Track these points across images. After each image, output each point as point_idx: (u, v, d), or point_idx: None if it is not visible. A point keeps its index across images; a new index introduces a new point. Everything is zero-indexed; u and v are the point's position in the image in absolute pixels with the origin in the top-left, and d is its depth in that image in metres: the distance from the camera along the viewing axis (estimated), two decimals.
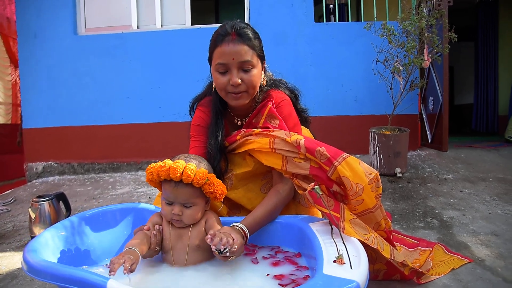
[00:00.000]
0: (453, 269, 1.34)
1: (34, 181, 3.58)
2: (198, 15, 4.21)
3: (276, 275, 1.01)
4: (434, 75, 3.28)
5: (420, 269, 1.25)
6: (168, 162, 1.04)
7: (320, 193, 0.99)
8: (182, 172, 1.01)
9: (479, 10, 5.15)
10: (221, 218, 1.28)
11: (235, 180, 1.41)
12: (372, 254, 1.24)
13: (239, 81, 1.25)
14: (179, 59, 3.65)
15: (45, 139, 3.67)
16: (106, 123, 3.67)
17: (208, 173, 1.09)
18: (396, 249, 1.24)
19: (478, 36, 5.16)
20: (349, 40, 3.53)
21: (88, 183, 3.29)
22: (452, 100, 7.72)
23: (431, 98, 3.37)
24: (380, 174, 2.75)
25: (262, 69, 1.37)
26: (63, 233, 1.13)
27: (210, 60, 1.34)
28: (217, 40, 1.27)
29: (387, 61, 2.60)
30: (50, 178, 3.58)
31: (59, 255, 1.08)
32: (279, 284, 0.96)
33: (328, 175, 1.14)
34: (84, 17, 3.77)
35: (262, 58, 1.35)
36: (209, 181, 1.05)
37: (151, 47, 3.65)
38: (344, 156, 1.14)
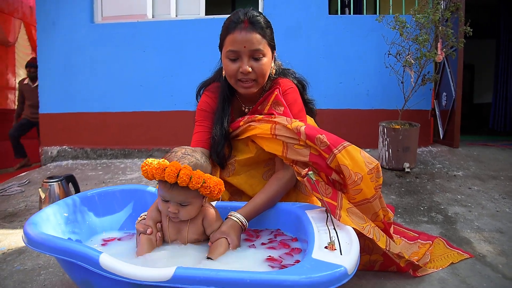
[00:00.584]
0: (452, 263, 1.33)
1: (48, 164, 3.69)
2: (214, 6, 4.21)
3: (268, 257, 1.03)
4: (448, 70, 3.20)
5: (416, 262, 1.24)
6: (163, 163, 1.00)
7: (314, 178, 1.00)
8: (177, 175, 0.98)
9: (500, 6, 4.97)
10: (221, 203, 1.30)
11: (237, 166, 1.43)
12: (369, 244, 1.24)
13: (249, 69, 1.26)
14: (192, 48, 3.67)
15: (60, 124, 3.77)
16: (119, 110, 3.74)
17: (205, 172, 1.05)
18: (394, 241, 1.24)
19: (500, 33, 5.00)
20: (362, 33, 3.47)
21: (99, 167, 3.37)
22: (471, 98, 7.53)
23: (444, 93, 3.30)
24: (388, 169, 2.75)
25: (272, 58, 1.38)
26: (65, 211, 1.17)
27: (221, 46, 1.35)
28: (229, 27, 1.27)
29: (399, 55, 2.55)
30: (64, 162, 3.68)
31: (59, 230, 1.12)
32: (268, 265, 0.98)
33: (328, 162, 1.14)
34: (101, 6, 3.83)
35: (272, 47, 1.35)
36: (205, 184, 1.01)
37: (165, 36, 3.69)
38: (344, 145, 1.14)
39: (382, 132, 2.76)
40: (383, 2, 3.67)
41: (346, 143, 1.15)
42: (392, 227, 1.59)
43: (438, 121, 3.44)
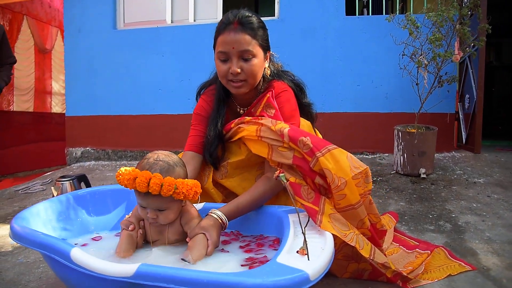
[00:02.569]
0: (449, 275, 1.25)
1: (72, 165, 3.87)
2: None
3: (246, 258, 1.03)
4: (470, 71, 3.03)
5: (406, 274, 1.17)
6: (133, 173, 0.99)
7: (285, 181, 0.97)
8: (148, 184, 0.97)
9: None
10: (210, 204, 1.30)
11: (230, 169, 1.43)
12: (358, 252, 1.20)
13: (239, 70, 1.27)
14: (209, 52, 3.69)
15: (84, 126, 3.95)
16: (139, 113, 3.86)
17: (178, 176, 1.03)
18: (382, 250, 1.18)
19: None
20: (381, 34, 3.37)
21: (118, 168, 3.48)
22: None
23: (467, 96, 3.12)
24: (403, 174, 2.64)
25: (265, 59, 1.37)
26: (57, 207, 1.22)
27: (214, 47, 1.36)
28: (219, 29, 1.30)
29: (414, 55, 2.45)
30: (87, 163, 3.85)
31: (49, 226, 1.16)
32: (241, 266, 0.97)
33: (311, 166, 1.12)
34: (123, 13, 3.99)
35: (265, 48, 1.34)
36: (177, 190, 0.99)
37: (183, 40, 3.77)
38: (329, 148, 1.10)
39: (397, 136, 2.66)
40: (405, 2, 3.55)
41: (332, 146, 1.11)
42: (390, 235, 1.54)
43: (462, 125, 3.27)
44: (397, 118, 3.30)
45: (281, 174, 0.96)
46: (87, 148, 3.95)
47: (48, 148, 6.17)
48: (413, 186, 2.40)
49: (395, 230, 1.66)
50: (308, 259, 0.86)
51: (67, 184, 2.10)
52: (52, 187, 2.09)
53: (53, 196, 2.11)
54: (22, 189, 2.92)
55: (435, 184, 2.43)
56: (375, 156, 3.37)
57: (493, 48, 6.03)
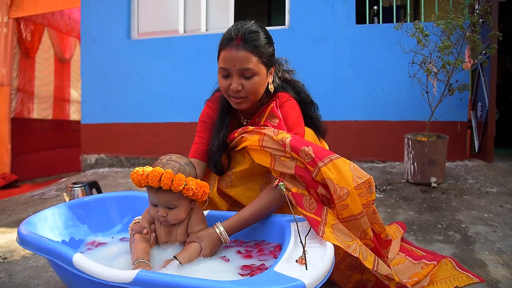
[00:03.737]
0: (456, 287, 1.23)
1: (87, 171, 3.96)
2: (244, 20, 4.31)
3: (243, 266, 1.04)
4: (482, 79, 2.98)
5: (410, 286, 1.15)
6: (147, 169, 1.07)
7: (285, 190, 0.98)
8: (160, 179, 1.04)
9: None
10: (215, 212, 1.32)
11: (234, 178, 1.43)
12: (361, 263, 1.18)
13: (239, 87, 1.26)
14: None
15: (98, 134, 4.04)
16: (152, 121, 3.94)
17: (188, 175, 1.09)
18: (385, 261, 1.17)
19: None
20: (391, 42, 3.35)
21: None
22: None
23: (479, 104, 3.07)
24: (414, 183, 2.60)
25: (269, 76, 1.34)
26: (65, 213, 1.26)
27: (218, 59, 1.37)
28: (222, 43, 1.28)
29: (424, 63, 2.43)
30: (100, 170, 3.93)
31: (57, 232, 1.20)
32: (238, 274, 0.98)
33: (313, 176, 1.12)
34: (137, 23, 4.09)
35: (268, 64, 1.31)
36: (187, 186, 1.06)
37: (195, 50, 3.84)
38: (332, 157, 1.10)
39: (407, 145, 2.63)
40: (417, 11, 3.53)
41: (335, 156, 1.11)
42: (396, 245, 1.52)
43: (474, 133, 3.21)
44: (408, 126, 3.26)
45: (280, 183, 0.96)
46: (101, 155, 4.04)
47: (65, 155, 6.33)
48: (423, 195, 2.36)
49: (402, 240, 1.64)
50: (306, 269, 0.86)
51: (78, 190, 2.16)
52: (64, 193, 2.15)
53: (65, 201, 2.17)
54: (38, 194, 3.00)
55: (446, 193, 2.38)
56: (386, 164, 3.34)
57: (510, 55, 5.91)
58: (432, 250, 1.54)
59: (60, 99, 6.76)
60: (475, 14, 2.28)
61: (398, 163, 3.31)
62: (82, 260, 0.89)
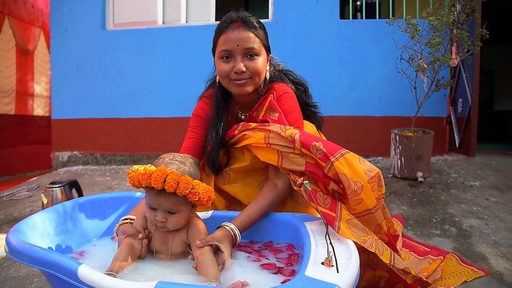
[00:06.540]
0: (465, 281, 1.23)
1: (59, 169, 3.72)
2: (224, 12, 4.21)
3: (262, 264, 0.98)
4: (464, 75, 3.07)
5: (425, 279, 1.14)
6: (149, 169, 0.96)
7: (310, 188, 0.93)
8: (164, 181, 0.93)
9: None
10: (218, 212, 1.24)
11: (233, 174, 1.37)
12: (374, 259, 1.16)
13: (243, 68, 1.22)
14: (202, 54, 3.62)
15: (71, 130, 3.81)
16: (130, 116, 3.76)
17: (194, 178, 0.99)
18: (399, 255, 1.15)
19: None
20: (375, 38, 3.39)
21: (108, 173, 3.37)
22: (491, 105, 7.29)
23: (460, 100, 3.16)
24: (401, 178, 2.64)
25: (267, 61, 1.32)
26: (55, 218, 1.14)
27: (214, 49, 1.30)
28: (221, 28, 1.24)
29: (411, 59, 2.45)
30: (74, 168, 3.71)
31: (48, 239, 1.08)
32: (263, 269, 0.92)
33: (325, 171, 1.07)
34: (113, 13, 3.88)
35: (267, 48, 1.30)
36: (193, 190, 0.95)
37: (175, 42, 3.69)
38: (342, 152, 1.07)
39: (394, 140, 2.66)
40: (397, 6, 3.58)
41: (344, 151, 1.08)
42: (400, 240, 1.51)
43: (454, 129, 3.31)
44: (391, 122, 3.31)
45: (305, 182, 0.91)
46: (75, 152, 3.81)
47: (31, 152, 5.98)
48: (412, 190, 2.40)
49: (403, 235, 1.64)
50: (337, 271, 0.82)
51: (57, 191, 2.01)
52: (42, 194, 1.99)
53: (43, 203, 2.01)
54: (7, 195, 2.77)
55: (433, 187, 2.43)
56: (370, 159, 3.37)
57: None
58: (433, 245, 1.55)
59: (23, 93, 6.37)
60: (462, 12, 2.33)
61: (381, 158, 3.36)
62: (89, 273, 0.78)
